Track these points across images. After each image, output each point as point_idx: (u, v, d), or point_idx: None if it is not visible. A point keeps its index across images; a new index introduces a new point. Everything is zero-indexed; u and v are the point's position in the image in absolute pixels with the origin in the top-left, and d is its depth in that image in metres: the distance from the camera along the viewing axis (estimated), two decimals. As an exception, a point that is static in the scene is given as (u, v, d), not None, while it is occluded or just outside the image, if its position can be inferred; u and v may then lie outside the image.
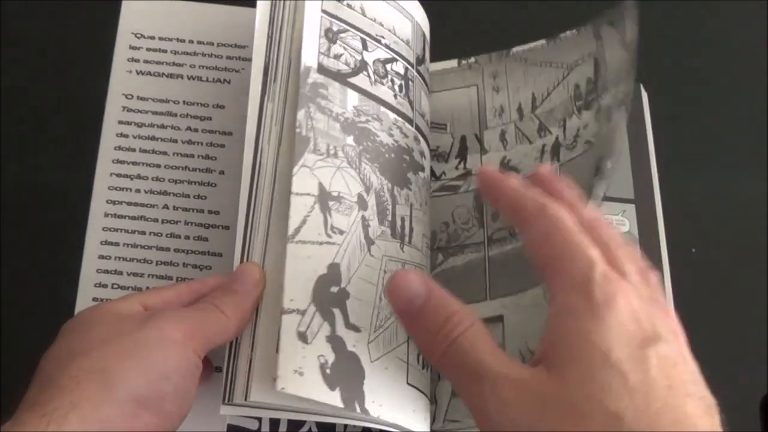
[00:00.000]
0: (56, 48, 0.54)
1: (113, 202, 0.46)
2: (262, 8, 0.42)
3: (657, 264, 0.47)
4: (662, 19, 0.57)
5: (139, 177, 0.47)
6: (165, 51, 0.49)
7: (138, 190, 0.46)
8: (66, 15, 0.56)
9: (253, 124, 0.41)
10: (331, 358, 0.37)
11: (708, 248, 0.50)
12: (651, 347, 0.25)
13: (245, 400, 0.36)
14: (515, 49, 0.49)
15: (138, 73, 0.48)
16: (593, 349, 0.25)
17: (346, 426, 0.42)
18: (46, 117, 0.52)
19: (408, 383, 0.40)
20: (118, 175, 0.47)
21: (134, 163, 0.47)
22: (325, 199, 0.39)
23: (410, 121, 0.45)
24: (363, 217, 0.41)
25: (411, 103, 0.46)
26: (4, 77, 0.53)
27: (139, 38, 0.49)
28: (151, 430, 0.33)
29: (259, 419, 0.42)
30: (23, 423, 0.30)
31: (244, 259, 0.39)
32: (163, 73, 0.48)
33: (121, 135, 0.47)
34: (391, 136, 0.44)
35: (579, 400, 0.24)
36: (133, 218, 0.46)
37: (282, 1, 0.43)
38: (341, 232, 0.39)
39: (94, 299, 0.44)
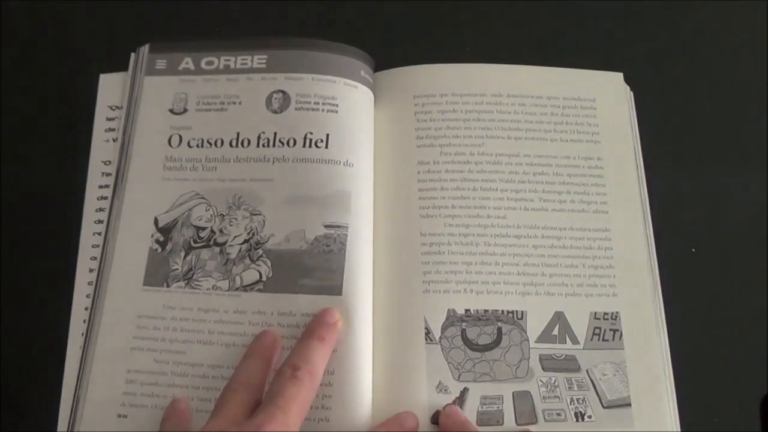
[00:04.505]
0: (53, 52, 0.54)
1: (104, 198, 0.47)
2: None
3: (646, 264, 0.47)
4: (659, 16, 0.57)
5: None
6: None
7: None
8: (65, 17, 0.55)
9: None
10: None
11: (708, 248, 0.50)
12: None
13: None
14: None
15: None
16: None
17: None
18: (43, 116, 0.52)
19: None
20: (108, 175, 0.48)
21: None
22: None
23: None
24: None
25: None
26: (4, 77, 0.53)
27: None
28: None
29: None
30: None
31: None
32: None
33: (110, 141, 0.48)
34: None
35: None
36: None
37: None
38: None
39: (88, 296, 0.45)
